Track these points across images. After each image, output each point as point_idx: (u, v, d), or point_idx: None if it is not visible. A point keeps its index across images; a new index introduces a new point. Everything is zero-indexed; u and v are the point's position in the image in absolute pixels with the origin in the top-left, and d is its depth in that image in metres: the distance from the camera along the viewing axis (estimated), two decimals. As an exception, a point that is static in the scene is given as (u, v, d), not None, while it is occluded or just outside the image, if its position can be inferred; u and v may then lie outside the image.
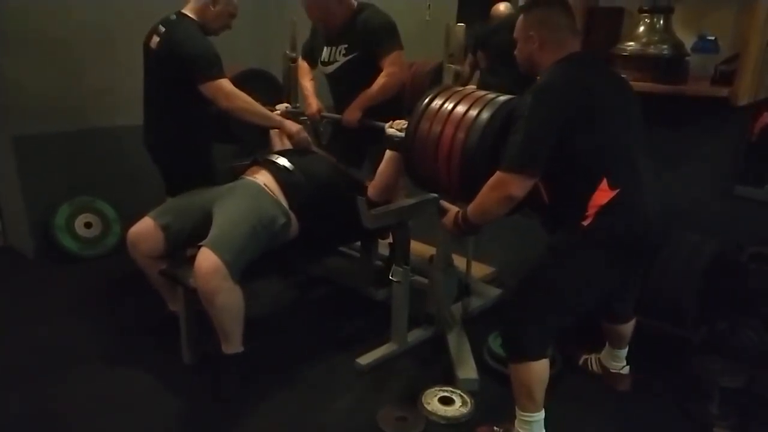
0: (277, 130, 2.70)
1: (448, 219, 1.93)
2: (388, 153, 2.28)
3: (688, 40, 2.32)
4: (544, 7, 1.80)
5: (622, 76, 1.85)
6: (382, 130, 2.32)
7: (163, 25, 2.45)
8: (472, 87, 2.10)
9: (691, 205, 2.31)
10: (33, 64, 3.05)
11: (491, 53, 4.05)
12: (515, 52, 1.88)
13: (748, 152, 2.37)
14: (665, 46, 2.28)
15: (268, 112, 2.53)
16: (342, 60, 2.65)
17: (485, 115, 1.90)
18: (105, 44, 3.24)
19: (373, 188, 2.33)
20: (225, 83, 2.37)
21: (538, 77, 1.77)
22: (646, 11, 2.33)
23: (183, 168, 2.60)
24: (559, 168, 1.68)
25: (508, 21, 3.93)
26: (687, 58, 2.31)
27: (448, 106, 2.00)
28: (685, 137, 2.42)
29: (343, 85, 2.75)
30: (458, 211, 1.89)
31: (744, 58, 2.09)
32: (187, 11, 2.47)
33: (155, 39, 2.44)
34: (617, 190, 1.66)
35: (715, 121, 2.34)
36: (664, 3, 2.29)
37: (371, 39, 2.57)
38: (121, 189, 3.36)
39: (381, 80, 2.58)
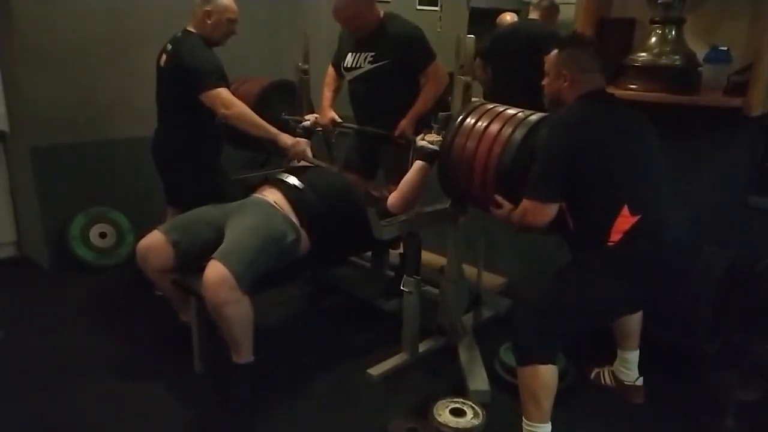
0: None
1: (504, 212, 1.96)
2: (417, 163, 2.30)
3: (701, 51, 2.31)
4: (579, 47, 1.92)
5: (637, 110, 1.90)
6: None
7: (170, 43, 2.58)
8: (502, 106, 2.17)
9: (704, 216, 2.29)
10: (49, 78, 3.10)
11: (493, 68, 3.84)
12: (543, 83, 1.97)
13: (762, 162, 2.35)
14: (677, 57, 2.28)
15: (265, 123, 2.56)
16: (367, 67, 2.67)
17: (519, 134, 1.97)
18: (118, 58, 3.29)
19: (395, 197, 2.31)
20: (223, 92, 2.43)
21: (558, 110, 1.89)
22: (657, 22, 2.32)
23: (183, 179, 2.68)
24: (579, 196, 1.77)
25: (506, 32, 3.83)
26: (699, 68, 2.30)
27: (482, 124, 2.08)
28: (698, 148, 2.42)
29: (363, 92, 2.78)
30: (512, 209, 1.92)
31: (757, 68, 2.09)
32: (191, 27, 2.59)
33: (164, 57, 2.58)
34: (638, 216, 1.73)
35: (728, 131, 2.34)
36: (675, 13, 2.29)
37: (407, 51, 2.59)
38: (136, 199, 3.39)
39: (429, 93, 2.64)
